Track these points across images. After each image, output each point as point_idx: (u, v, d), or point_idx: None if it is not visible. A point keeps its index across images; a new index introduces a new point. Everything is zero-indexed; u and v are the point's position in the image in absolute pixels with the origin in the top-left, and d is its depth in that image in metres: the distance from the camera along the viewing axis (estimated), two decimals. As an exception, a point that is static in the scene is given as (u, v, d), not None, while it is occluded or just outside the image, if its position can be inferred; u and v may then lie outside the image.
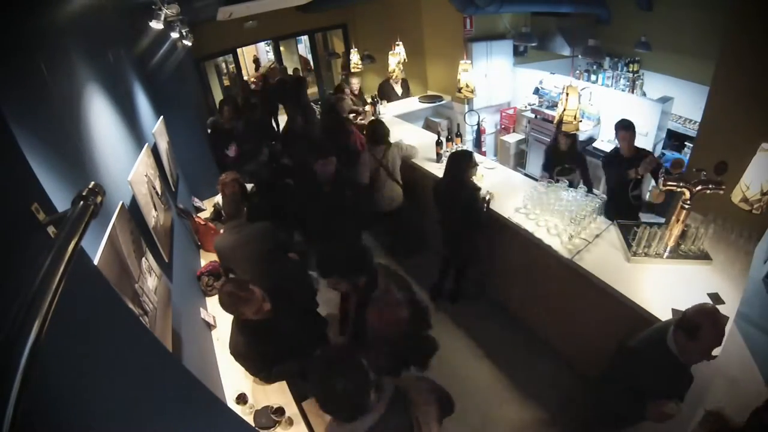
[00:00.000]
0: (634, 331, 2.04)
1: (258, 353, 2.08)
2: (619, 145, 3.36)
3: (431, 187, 3.33)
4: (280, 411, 2.03)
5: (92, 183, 0.87)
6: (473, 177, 3.13)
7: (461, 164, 3.03)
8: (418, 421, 1.39)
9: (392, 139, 3.97)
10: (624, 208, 3.31)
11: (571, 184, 3.26)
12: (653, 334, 1.88)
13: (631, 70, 5.15)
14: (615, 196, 3.44)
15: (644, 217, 3.60)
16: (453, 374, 3.11)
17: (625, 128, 3.22)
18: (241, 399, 2.11)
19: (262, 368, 2.17)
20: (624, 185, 3.34)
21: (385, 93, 6.25)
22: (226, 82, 9.29)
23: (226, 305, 1.94)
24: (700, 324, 1.62)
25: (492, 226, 3.29)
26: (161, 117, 3.34)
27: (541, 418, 2.83)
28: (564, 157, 3.74)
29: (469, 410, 2.90)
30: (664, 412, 1.72)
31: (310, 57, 10.07)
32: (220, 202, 3.37)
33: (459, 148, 4.21)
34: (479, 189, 3.18)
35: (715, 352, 1.98)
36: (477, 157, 3.93)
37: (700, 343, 1.64)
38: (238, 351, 2.09)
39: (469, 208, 3.10)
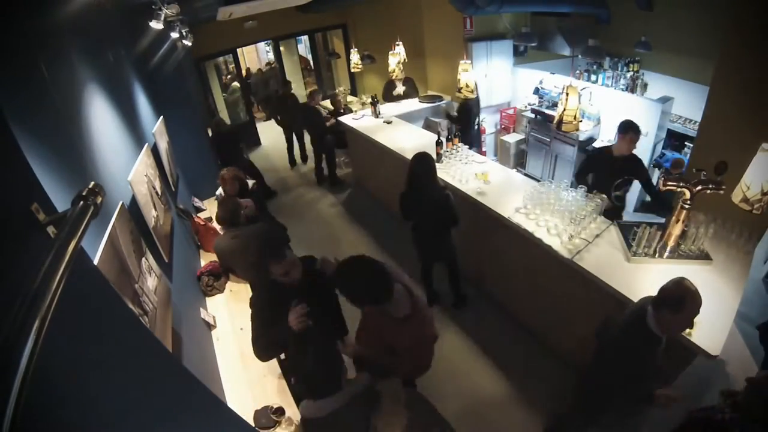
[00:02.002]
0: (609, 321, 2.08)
1: (272, 312, 2.00)
2: (615, 145, 3.26)
3: (398, 197, 3.21)
4: (280, 411, 2.03)
5: (92, 183, 0.87)
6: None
7: (427, 165, 3.02)
8: (375, 428, 1.40)
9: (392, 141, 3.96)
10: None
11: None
12: (631, 319, 1.90)
13: (631, 70, 5.15)
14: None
15: (644, 217, 3.60)
16: (451, 373, 3.12)
17: (636, 132, 3.09)
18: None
19: (266, 328, 2.06)
20: (607, 185, 3.24)
21: (389, 92, 6.30)
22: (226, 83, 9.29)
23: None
24: (683, 296, 1.67)
25: (492, 226, 3.29)
26: (161, 117, 3.34)
27: (539, 417, 2.83)
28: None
29: (469, 410, 2.90)
30: (671, 396, 1.78)
31: (310, 57, 10.10)
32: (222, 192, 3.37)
33: (457, 149, 4.21)
34: (446, 186, 3.16)
35: (715, 352, 1.99)
36: (475, 156, 3.96)
37: (685, 314, 1.70)
38: (256, 305, 2.06)
39: (446, 208, 3.07)
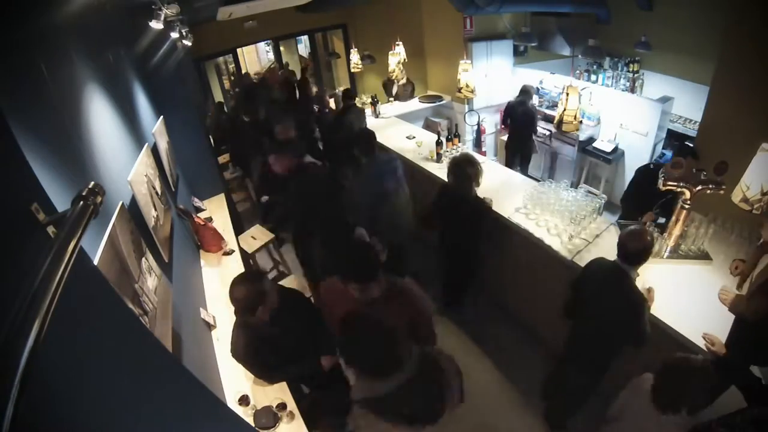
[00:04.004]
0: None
1: (259, 358, 2.06)
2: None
3: (434, 193, 3.19)
4: (282, 406, 2.05)
5: (92, 183, 0.87)
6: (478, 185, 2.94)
7: (466, 173, 2.83)
8: (442, 386, 1.38)
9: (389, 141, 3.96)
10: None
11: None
12: (613, 280, 2.06)
13: (631, 70, 5.15)
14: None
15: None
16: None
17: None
18: (243, 401, 2.10)
19: (262, 372, 2.16)
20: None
21: (388, 89, 6.38)
22: (226, 82, 9.30)
23: (247, 300, 1.89)
24: (647, 248, 1.95)
25: (492, 226, 3.29)
26: (161, 117, 3.34)
27: (539, 418, 2.83)
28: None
29: (469, 410, 2.90)
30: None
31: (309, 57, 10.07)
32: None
33: (457, 149, 4.21)
34: (484, 201, 3.03)
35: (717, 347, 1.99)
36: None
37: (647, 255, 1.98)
38: (239, 354, 2.07)
39: (477, 223, 3.00)
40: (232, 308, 2.06)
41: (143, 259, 1.82)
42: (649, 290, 2.24)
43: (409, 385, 1.33)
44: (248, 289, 1.89)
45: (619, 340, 2.13)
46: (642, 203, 3.05)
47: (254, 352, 2.02)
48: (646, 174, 3.21)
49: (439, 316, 3.67)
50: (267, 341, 2.01)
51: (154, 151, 2.85)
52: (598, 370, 2.29)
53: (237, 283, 1.92)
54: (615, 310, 2.03)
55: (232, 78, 8.97)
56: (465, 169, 2.83)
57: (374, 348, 1.33)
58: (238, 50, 8.17)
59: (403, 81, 6.20)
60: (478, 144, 6.13)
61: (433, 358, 1.45)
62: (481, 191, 3.51)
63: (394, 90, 6.43)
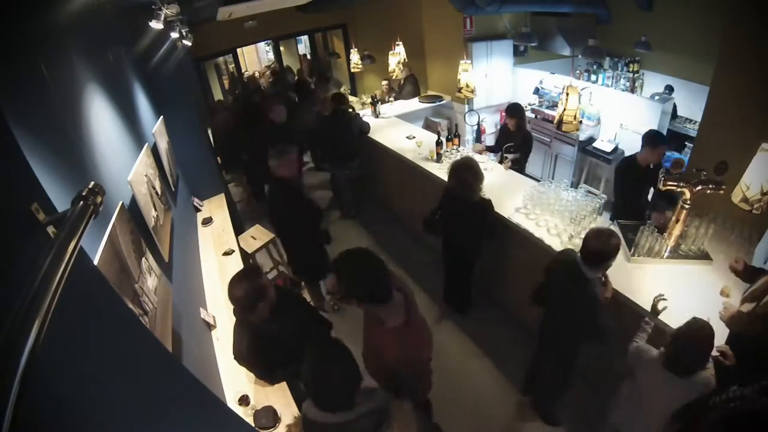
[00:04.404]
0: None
1: (262, 357, 2.05)
2: (640, 156, 3.19)
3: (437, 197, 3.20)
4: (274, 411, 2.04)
5: (92, 183, 0.87)
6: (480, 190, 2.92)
7: (467, 178, 2.84)
8: None
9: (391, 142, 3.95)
10: (632, 215, 3.16)
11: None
12: (568, 275, 2.11)
13: (631, 70, 5.15)
14: (627, 204, 3.33)
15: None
16: (451, 373, 3.11)
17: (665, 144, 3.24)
18: (243, 401, 2.10)
19: (265, 372, 2.15)
20: (637, 195, 3.32)
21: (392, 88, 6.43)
22: (226, 82, 9.30)
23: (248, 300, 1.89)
24: (609, 252, 1.96)
25: (495, 226, 3.24)
26: (161, 117, 3.34)
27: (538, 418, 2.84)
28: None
29: (468, 410, 2.90)
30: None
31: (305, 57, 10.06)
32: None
33: (457, 149, 4.20)
34: (489, 203, 3.00)
35: (715, 352, 1.98)
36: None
37: (611, 262, 2.02)
38: (242, 356, 2.06)
39: (481, 225, 3.00)
40: (232, 308, 2.06)
41: (143, 259, 1.82)
42: (606, 281, 2.24)
43: (353, 426, 1.38)
44: (247, 286, 1.88)
45: (576, 333, 2.20)
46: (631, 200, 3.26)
47: (257, 352, 2.01)
48: (627, 169, 3.32)
49: (438, 314, 3.68)
50: (269, 339, 2.00)
51: (154, 151, 2.85)
52: (567, 356, 2.35)
53: (235, 281, 1.90)
54: (569, 305, 2.11)
55: (233, 76, 8.98)
56: (465, 173, 2.85)
57: (333, 381, 1.36)
58: (238, 50, 8.17)
59: (403, 75, 6.20)
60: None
61: (389, 408, 1.47)
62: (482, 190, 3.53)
63: (399, 88, 6.44)
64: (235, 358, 2.09)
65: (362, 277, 1.64)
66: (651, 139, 3.13)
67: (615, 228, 2.89)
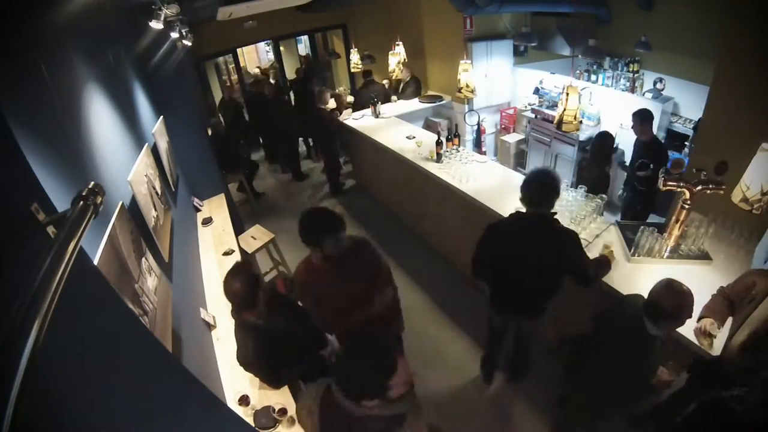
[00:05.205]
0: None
1: (267, 358, 2.03)
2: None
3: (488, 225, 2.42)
4: (282, 411, 2.03)
5: (92, 183, 0.87)
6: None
7: (545, 192, 2.10)
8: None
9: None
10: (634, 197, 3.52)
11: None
12: (629, 327, 1.88)
13: (631, 70, 5.15)
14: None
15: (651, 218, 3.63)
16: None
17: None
18: (243, 401, 2.10)
19: (271, 375, 2.14)
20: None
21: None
22: (226, 82, 9.30)
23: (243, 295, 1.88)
24: (679, 307, 1.67)
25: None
26: (161, 117, 3.34)
27: (538, 416, 2.83)
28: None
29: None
30: (665, 380, 1.87)
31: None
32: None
33: (457, 149, 4.19)
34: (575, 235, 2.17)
35: (715, 352, 1.99)
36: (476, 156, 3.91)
37: (683, 318, 1.70)
38: (247, 361, 2.04)
39: (570, 261, 2.15)
40: (230, 310, 2.06)
41: (143, 259, 1.82)
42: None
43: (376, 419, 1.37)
44: (244, 279, 1.84)
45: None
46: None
47: (262, 354, 1.98)
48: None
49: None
50: (272, 338, 1.98)
51: (154, 151, 2.86)
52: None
53: (230, 277, 1.86)
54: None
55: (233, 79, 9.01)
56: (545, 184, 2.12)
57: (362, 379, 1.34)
58: (238, 50, 8.16)
59: (405, 77, 6.21)
60: (478, 144, 6.13)
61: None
62: (481, 191, 3.52)
63: (400, 89, 6.45)
64: (241, 365, 2.06)
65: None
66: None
67: (615, 228, 2.89)
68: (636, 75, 5.10)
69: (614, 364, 1.93)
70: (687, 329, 2.09)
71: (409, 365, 1.36)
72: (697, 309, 2.18)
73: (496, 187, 3.55)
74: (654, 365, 1.86)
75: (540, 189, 2.12)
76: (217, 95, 8.39)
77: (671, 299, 1.68)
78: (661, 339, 1.83)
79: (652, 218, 3.75)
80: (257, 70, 9.22)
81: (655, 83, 4.86)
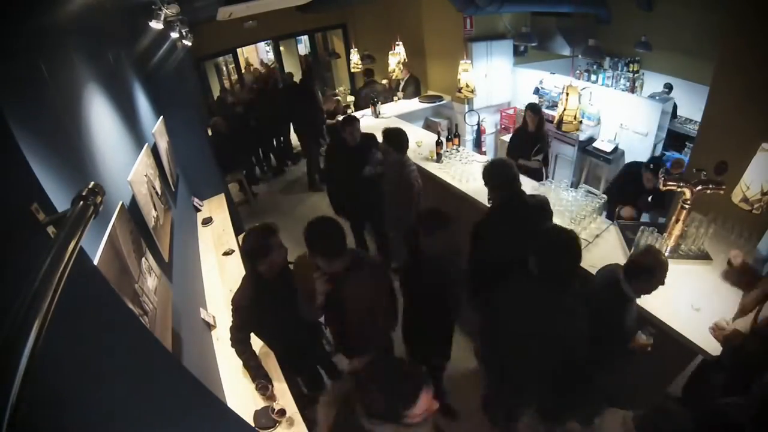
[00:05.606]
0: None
1: (257, 310, 2.05)
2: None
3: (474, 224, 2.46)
4: (281, 412, 2.03)
5: (92, 183, 0.87)
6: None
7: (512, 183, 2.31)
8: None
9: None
10: None
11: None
12: (604, 286, 2.06)
13: (631, 70, 5.16)
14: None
15: (644, 217, 3.60)
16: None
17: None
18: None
19: (250, 328, 2.15)
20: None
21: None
22: (226, 82, 9.30)
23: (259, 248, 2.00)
24: (653, 268, 1.89)
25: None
26: (161, 117, 3.34)
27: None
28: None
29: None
30: (642, 343, 2.00)
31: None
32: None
33: (457, 149, 4.19)
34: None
35: (715, 352, 1.99)
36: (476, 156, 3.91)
37: (655, 281, 1.92)
38: (240, 303, 2.06)
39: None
40: (231, 308, 2.06)
41: (143, 259, 1.82)
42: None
43: None
44: (262, 230, 2.03)
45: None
46: (625, 197, 3.26)
47: (254, 304, 2.03)
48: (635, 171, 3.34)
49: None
50: (270, 296, 2.04)
51: (154, 151, 2.85)
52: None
53: (251, 230, 2.10)
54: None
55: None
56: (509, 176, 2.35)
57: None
58: (238, 50, 8.16)
59: (404, 77, 6.21)
60: (478, 144, 6.13)
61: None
62: (481, 191, 3.51)
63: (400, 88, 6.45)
64: (232, 302, 2.11)
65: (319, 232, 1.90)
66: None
67: (615, 228, 2.89)
68: (636, 75, 5.11)
69: (592, 327, 1.94)
70: (687, 329, 2.09)
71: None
72: (696, 304, 2.20)
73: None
74: (631, 327, 2.00)
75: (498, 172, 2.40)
76: (217, 95, 8.40)
77: (649, 258, 1.92)
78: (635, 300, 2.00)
79: (644, 218, 3.67)
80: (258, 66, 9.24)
81: (664, 88, 4.86)
